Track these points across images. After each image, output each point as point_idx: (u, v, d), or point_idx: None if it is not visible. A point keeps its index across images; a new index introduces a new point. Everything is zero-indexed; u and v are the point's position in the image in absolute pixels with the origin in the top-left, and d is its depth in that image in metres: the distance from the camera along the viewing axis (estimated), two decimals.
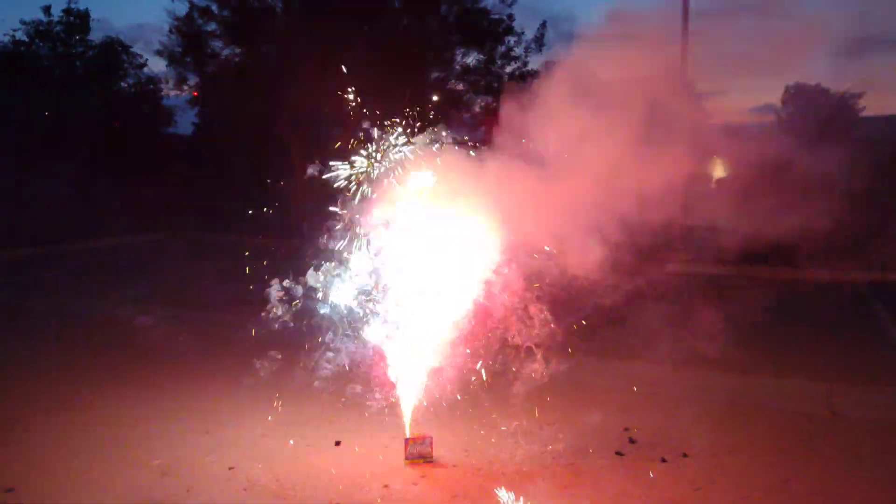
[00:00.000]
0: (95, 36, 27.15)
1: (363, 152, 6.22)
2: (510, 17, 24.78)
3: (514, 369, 6.32)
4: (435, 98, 6.03)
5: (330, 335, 6.21)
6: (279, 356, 6.70)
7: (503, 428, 6.41)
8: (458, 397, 6.37)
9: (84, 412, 7.08)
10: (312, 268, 6.13)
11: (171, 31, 23.32)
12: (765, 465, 5.90)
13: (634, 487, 5.52)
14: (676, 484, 5.57)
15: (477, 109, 26.28)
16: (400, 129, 6.22)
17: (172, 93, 26.33)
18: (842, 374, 8.32)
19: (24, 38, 26.56)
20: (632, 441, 6.36)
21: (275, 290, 6.23)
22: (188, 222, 24.02)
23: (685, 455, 6.08)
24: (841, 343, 9.82)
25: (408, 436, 6.09)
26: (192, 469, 5.83)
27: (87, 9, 26.69)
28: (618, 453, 6.12)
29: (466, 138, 6.41)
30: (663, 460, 5.98)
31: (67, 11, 26.48)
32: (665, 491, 5.47)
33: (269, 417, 6.88)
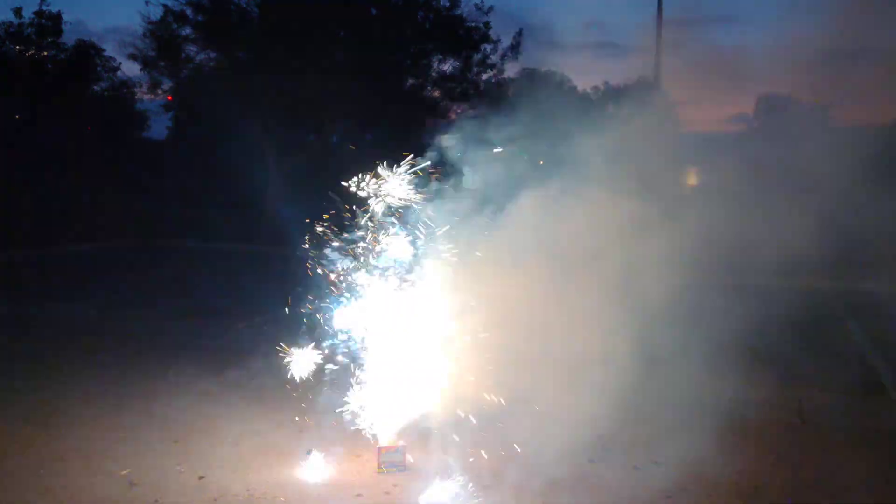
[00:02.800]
0: (68, 38, 26.82)
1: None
2: (486, 24, 24.96)
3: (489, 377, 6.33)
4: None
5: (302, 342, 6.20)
6: (249, 365, 6.66)
7: (476, 436, 6.37)
8: (432, 407, 6.34)
9: (49, 422, 6.96)
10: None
11: (144, 34, 23.11)
12: (735, 473, 5.94)
13: (607, 495, 5.54)
14: (648, 491, 5.59)
15: (452, 116, 26.40)
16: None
17: (146, 97, 26.09)
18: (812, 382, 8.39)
19: None
20: (604, 448, 6.37)
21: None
22: (161, 228, 23.78)
23: (657, 462, 6.11)
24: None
25: (380, 445, 6.05)
26: (162, 479, 5.74)
27: (59, 11, 26.40)
28: (590, 461, 6.13)
29: None
30: (636, 468, 6.01)
31: (39, 13, 26.16)
32: (637, 498, 5.49)
33: (239, 426, 6.82)
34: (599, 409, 6.24)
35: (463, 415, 6.05)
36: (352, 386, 6.19)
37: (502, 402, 6.10)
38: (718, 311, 6.94)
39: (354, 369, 6.18)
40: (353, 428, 6.21)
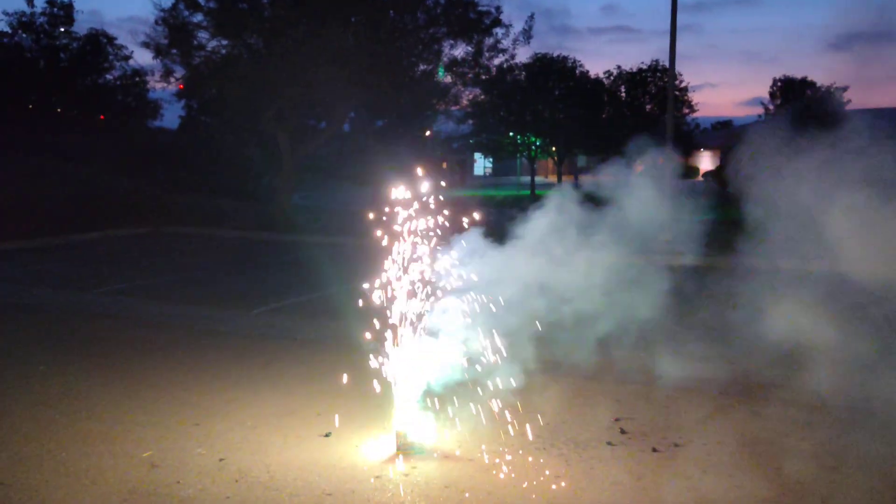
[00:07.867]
0: (81, 27, 26.98)
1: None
2: (498, 9, 24.87)
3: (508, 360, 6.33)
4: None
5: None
6: (267, 349, 6.67)
7: (495, 419, 6.38)
8: (451, 389, 6.35)
9: (72, 405, 7.03)
10: None
11: (156, 22, 23.12)
12: (754, 455, 5.92)
13: (626, 477, 5.53)
14: (668, 473, 5.58)
15: (464, 101, 26.33)
16: None
17: (159, 85, 26.15)
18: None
19: (7, 29, 26.34)
20: (623, 431, 6.37)
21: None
22: (174, 216, 23.90)
23: (676, 445, 6.09)
24: None
25: (398, 427, 6.06)
26: (182, 461, 5.79)
27: (70, 0, 26.45)
28: (609, 443, 6.13)
29: None
30: (654, 450, 6.00)
31: (51, 2, 26.27)
32: (656, 480, 5.49)
33: (258, 410, 6.86)
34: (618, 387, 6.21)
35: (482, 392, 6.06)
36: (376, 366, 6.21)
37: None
38: None
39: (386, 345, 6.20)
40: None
